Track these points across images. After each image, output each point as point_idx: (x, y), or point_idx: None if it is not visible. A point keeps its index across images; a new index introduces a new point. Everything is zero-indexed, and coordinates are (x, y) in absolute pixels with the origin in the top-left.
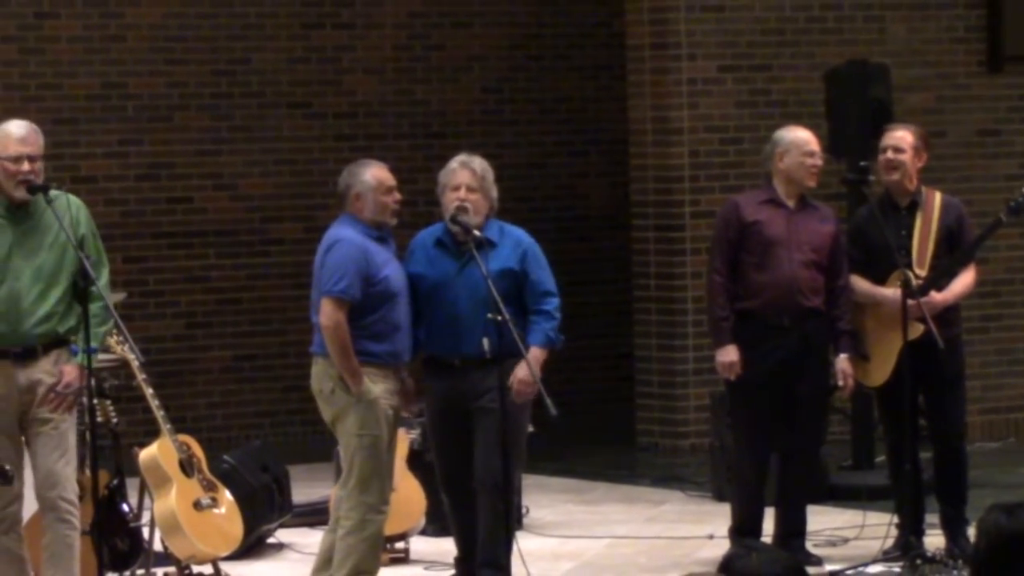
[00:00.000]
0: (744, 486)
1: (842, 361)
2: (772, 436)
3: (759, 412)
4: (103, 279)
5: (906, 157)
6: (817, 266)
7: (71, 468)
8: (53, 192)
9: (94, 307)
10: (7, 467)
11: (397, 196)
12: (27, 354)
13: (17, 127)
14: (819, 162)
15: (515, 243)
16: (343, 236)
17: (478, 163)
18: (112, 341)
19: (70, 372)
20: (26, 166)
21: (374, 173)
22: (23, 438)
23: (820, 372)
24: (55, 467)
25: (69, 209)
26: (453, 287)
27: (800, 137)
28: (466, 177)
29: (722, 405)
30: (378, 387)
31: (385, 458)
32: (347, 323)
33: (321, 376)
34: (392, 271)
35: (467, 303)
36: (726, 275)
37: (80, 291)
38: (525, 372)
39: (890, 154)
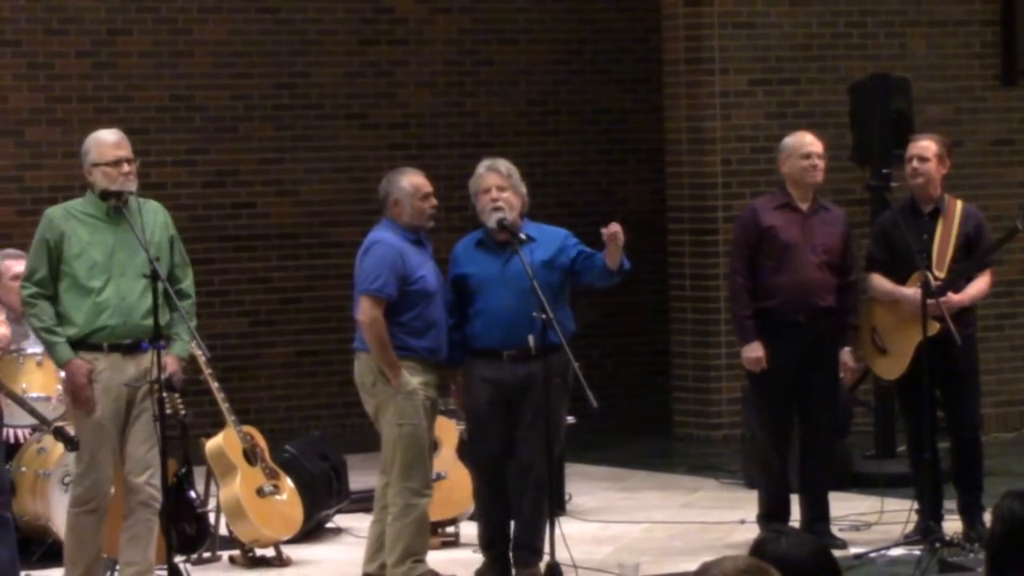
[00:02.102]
0: (769, 474)
1: (844, 354)
2: (792, 425)
3: (779, 402)
4: (189, 278)
5: (930, 166)
6: (830, 267)
7: (156, 458)
8: (142, 199)
9: (185, 304)
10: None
11: (433, 201)
12: (135, 347)
13: (110, 134)
14: (819, 162)
15: (553, 236)
16: (381, 238)
17: (502, 164)
18: None
19: (171, 364)
20: (126, 167)
21: (411, 180)
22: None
23: (833, 364)
24: (148, 455)
25: (156, 213)
26: (499, 283)
27: (797, 141)
28: (494, 179)
29: None
30: (416, 379)
31: (425, 445)
32: (384, 320)
33: (363, 370)
34: (428, 272)
35: (513, 298)
36: (746, 276)
37: (174, 288)
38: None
39: (915, 163)
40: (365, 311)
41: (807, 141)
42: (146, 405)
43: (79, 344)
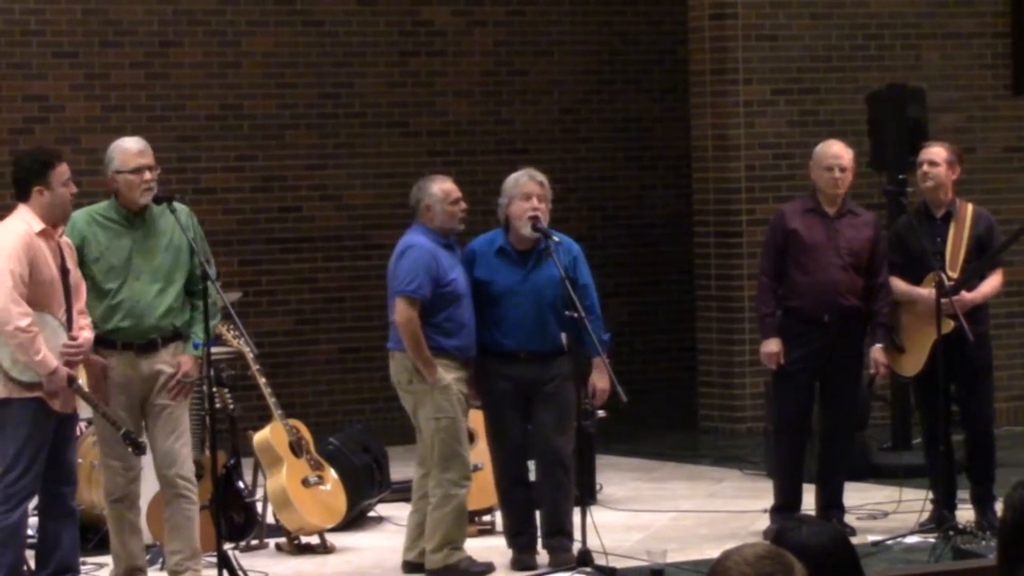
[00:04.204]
0: (783, 466)
1: (875, 351)
2: (810, 420)
3: (798, 397)
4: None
5: (940, 171)
6: (855, 268)
7: (187, 448)
8: (178, 203)
9: (203, 303)
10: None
11: (463, 206)
12: (149, 347)
13: (133, 142)
14: (839, 174)
15: (567, 249)
16: (415, 242)
17: (542, 176)
18: (229, 335)
19: (187, 363)
20: (147, 175)
21: (441, 186)
22: (143, 423)
23: (853, 361)
24: (173, 447)
25: (179, 216)
26: (520, 292)
27: (822, 151)
28: (536, 188)
29: None
30: (450, 375)
31: (462, 438)
32: (419, 320)
33: (397, 369)
34: (458, 275)
35: (533, 305)
36: (772, 276)
37: (194, 289)
38: (605, 382)
39: (926, 167)
40: (401, 312)
41: (831, 153)
42: (164, 400)
43: (96, 341)
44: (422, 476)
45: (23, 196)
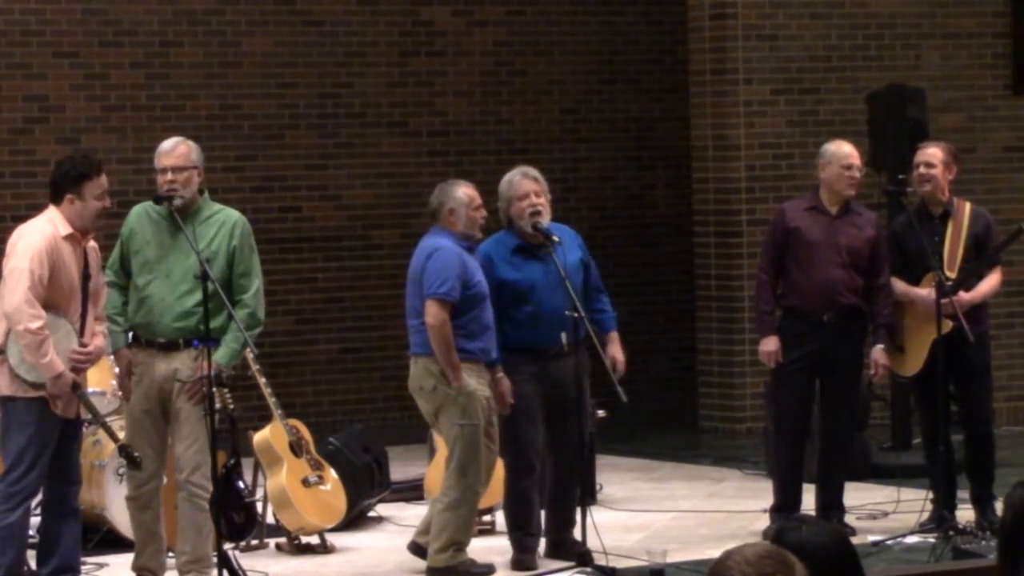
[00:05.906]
0: (782, 466)
1: (876, 351)
2: (810, 420)
3: (798, 397)
4: (251, 290)
5: (937, 171)
6: (855, 267)
7: (201, 455)
8: (217, 205)
9: (241, 313)
10: (136, 453)
11: (484, 212)
12: (169, 346)
13: (168, 143)
14: (857, 175)
15: (572, 236)
16: (442, 244)
17: (535, 172)
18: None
19: (202, 367)
20: (169, 176)
21: (465, 191)
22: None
23: (853, 361)
24: (184, 453)
25: (224, 224)
26: (546, 287)
27: (842, 151)
28: (531, 185)
29: None
30: (474, 381)
31: (482, 444)
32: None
33: (421, 374)
34: (481, 277)
35: (562, 299)
36: (771, 274)
37: (235, 298)
38: (622, 354)
39: (922, 169)
40: (433, 314)
41: (849, 153)
42: (181, 404)
43: (133, 336)
44: None
45: (56, 200)
